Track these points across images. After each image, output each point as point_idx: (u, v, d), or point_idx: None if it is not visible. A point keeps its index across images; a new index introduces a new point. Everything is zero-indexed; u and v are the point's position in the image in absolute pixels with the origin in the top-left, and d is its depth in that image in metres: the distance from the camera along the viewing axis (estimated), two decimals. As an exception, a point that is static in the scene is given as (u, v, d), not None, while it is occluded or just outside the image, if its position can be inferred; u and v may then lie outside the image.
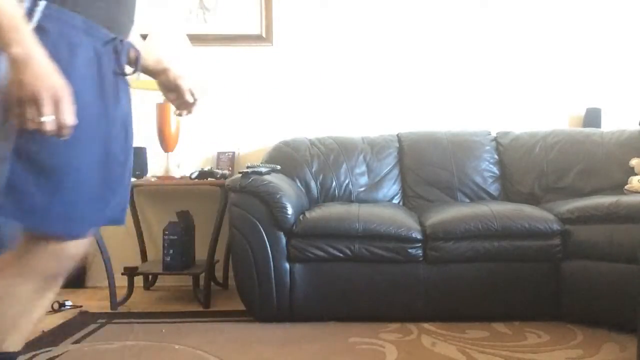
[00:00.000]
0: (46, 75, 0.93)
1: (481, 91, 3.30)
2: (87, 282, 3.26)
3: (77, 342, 2.22)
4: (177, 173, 3.01)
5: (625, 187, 2.72)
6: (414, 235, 2.39)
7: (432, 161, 3.00)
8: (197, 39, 3.07)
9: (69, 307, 2.73)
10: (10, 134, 0.98)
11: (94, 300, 2.92)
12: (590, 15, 3.28)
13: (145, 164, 3.00)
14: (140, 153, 2.99)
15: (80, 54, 1.07)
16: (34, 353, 2.06)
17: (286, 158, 2.97)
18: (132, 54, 1.24)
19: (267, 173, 2.56)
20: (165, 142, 2.98)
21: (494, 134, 3.13)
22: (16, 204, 1.00)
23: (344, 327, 2.32)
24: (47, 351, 2.09)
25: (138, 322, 2.47)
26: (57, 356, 2.05)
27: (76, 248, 1.11)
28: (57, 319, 2.54)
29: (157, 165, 3.11)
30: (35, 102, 0.91)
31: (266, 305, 2.42)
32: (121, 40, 1.19)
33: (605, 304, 2.24)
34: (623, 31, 3.28)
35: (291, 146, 3.05)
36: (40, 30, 0.99)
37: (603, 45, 3.28)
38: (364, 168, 3.01)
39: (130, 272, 2.87)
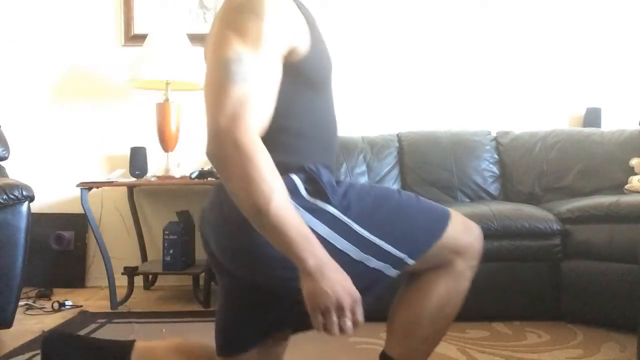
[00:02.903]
0: (343, 282, 0.95)
1: (481, 91, 3.30)
2: (87, 282, 3.26)
3: (77, 342, 2.21)
4: (177, 173, 3.00)
5: (625, 187, 2.72)
6: (414, 235, 2.38)
7: (432, 161, 2.99)
8: (197, 38, 3.06)
9: (69, 307, 2.73)
10: None
11: (94, 300, 2.92)
12: (590, 16, 3.28)
13: (145, 164, 3.00)
14: (140, 153, 2.99)
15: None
16: (34, 353, 2.06)
17: (286, 158, 2.96)
18: None
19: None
20: (165, 142, 2.99)
21: (494, 134, 3.13)
22: None
23: (344, 327, 2.32)
24: (47, 351, 2.09)
25: (138, 322, 2.47)
26: (57, 356, 2.05)
27: None
28: (57, 319, 2.55)
29: (157, 165, 3.10)
30: (340, 309, 0.94)
31: (266, 305, 2.41)
32: None
33: (605, 304, 2.24)
34: (623, 31, 3.28)
35: (291, 146, 3.04)
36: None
37: (603, 45, 3.28)
38: (364, 168, 3.01)
39: (130, 272, 2.88)
